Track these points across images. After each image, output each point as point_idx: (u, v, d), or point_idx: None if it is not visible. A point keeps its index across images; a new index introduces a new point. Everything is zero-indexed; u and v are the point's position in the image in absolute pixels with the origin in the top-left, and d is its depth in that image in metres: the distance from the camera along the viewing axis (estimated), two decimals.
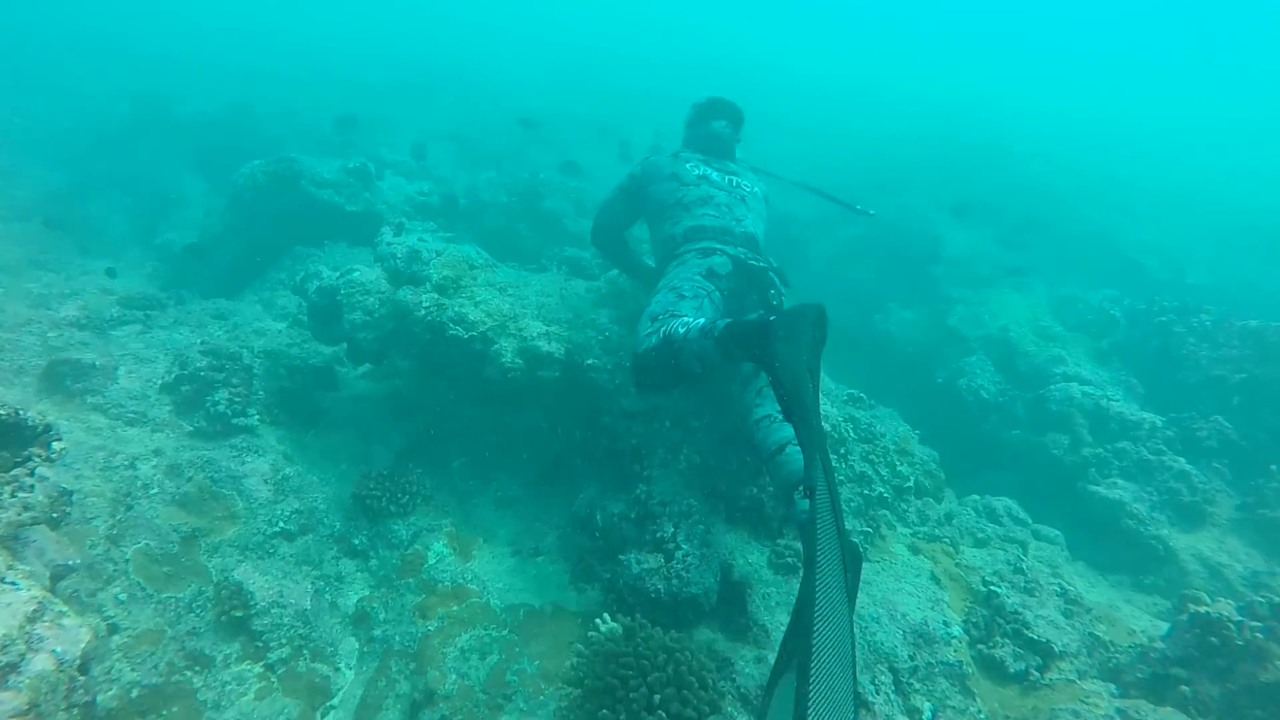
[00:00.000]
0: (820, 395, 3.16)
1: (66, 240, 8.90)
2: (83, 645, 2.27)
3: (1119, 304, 6.83)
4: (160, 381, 4.42)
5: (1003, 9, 42.43)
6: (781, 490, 3.06)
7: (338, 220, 6.50)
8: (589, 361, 3.95)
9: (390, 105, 14.55)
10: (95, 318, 5.11)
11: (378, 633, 3.54)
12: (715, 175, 4.15)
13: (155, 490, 3.69)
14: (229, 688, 3.16)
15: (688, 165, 4.16)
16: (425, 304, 4.11)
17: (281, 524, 3.87)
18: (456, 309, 4.04)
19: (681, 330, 2.90)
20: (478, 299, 4.20)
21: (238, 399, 4.24)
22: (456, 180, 8.63)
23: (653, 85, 19.34)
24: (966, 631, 3.50)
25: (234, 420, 4.15)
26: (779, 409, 2.86)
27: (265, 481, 4.02)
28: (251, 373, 4.51)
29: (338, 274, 4.46)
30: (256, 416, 4.27)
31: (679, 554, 3.20)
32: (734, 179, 4.21)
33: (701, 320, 2.90)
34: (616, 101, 18.47)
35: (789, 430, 3.07)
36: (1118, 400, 5.36)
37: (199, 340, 4.84)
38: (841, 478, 3.82)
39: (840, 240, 10.24)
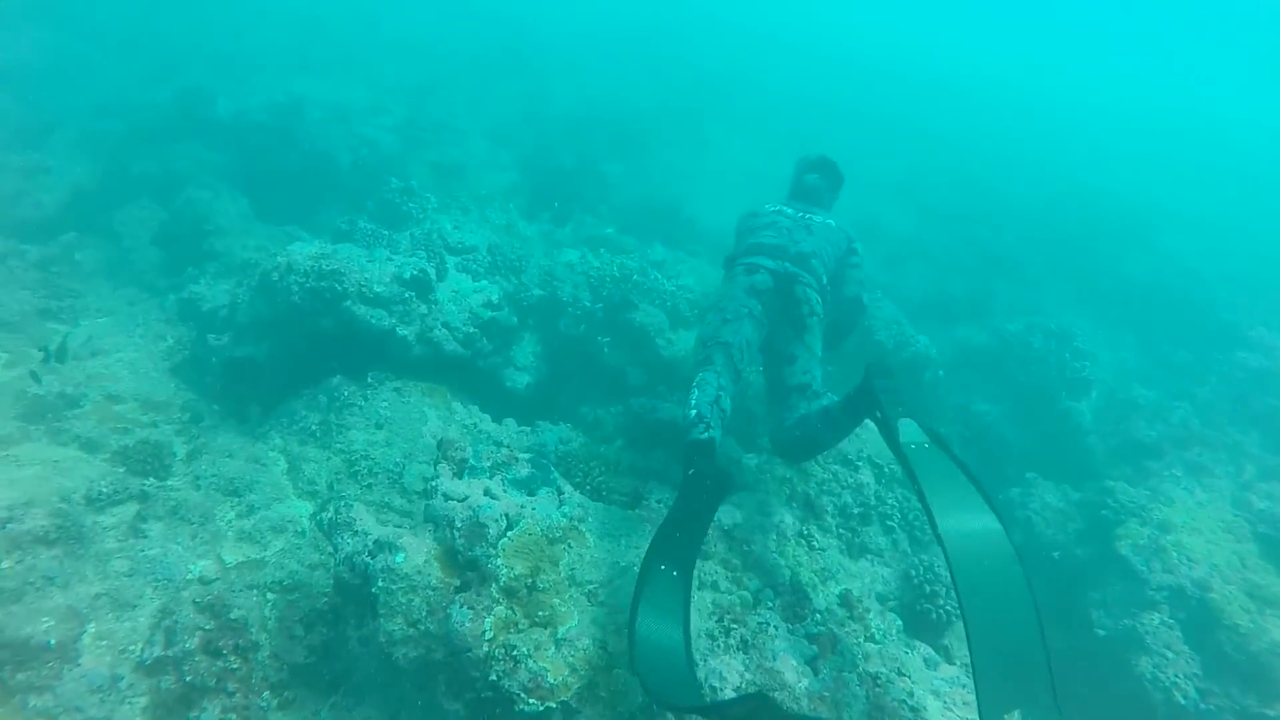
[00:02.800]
0: None
1: (90, 267, 7.97)
2: None
3: None
4: (138, 654, 3.40)
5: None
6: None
7: (388, 345, 5.37)
8: None
9: (447, 104, 13.05)
10: (72, 519, 3.95)
11: None
12: (790, 212, 4.59)
13: None
14: None
15: (770, 207, 4.68)
16: (488, 637, 2.97)
17: None
18: (532, 665, 2.89)
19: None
20: (559, 632, 3.04)
21: (231, 713, 3.20)
22: (530, 256, 7.28)
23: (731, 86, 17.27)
24: None
25: None
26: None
27: None
28: (258, 649, 3.46)
29: (374, 544, 3.33)
30: None
31: None
32: (808, 215, 4.57)
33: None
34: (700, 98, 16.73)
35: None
36: None
37: (197, 572, 3.80)
38: None
39: (958, 345, 8.76)
